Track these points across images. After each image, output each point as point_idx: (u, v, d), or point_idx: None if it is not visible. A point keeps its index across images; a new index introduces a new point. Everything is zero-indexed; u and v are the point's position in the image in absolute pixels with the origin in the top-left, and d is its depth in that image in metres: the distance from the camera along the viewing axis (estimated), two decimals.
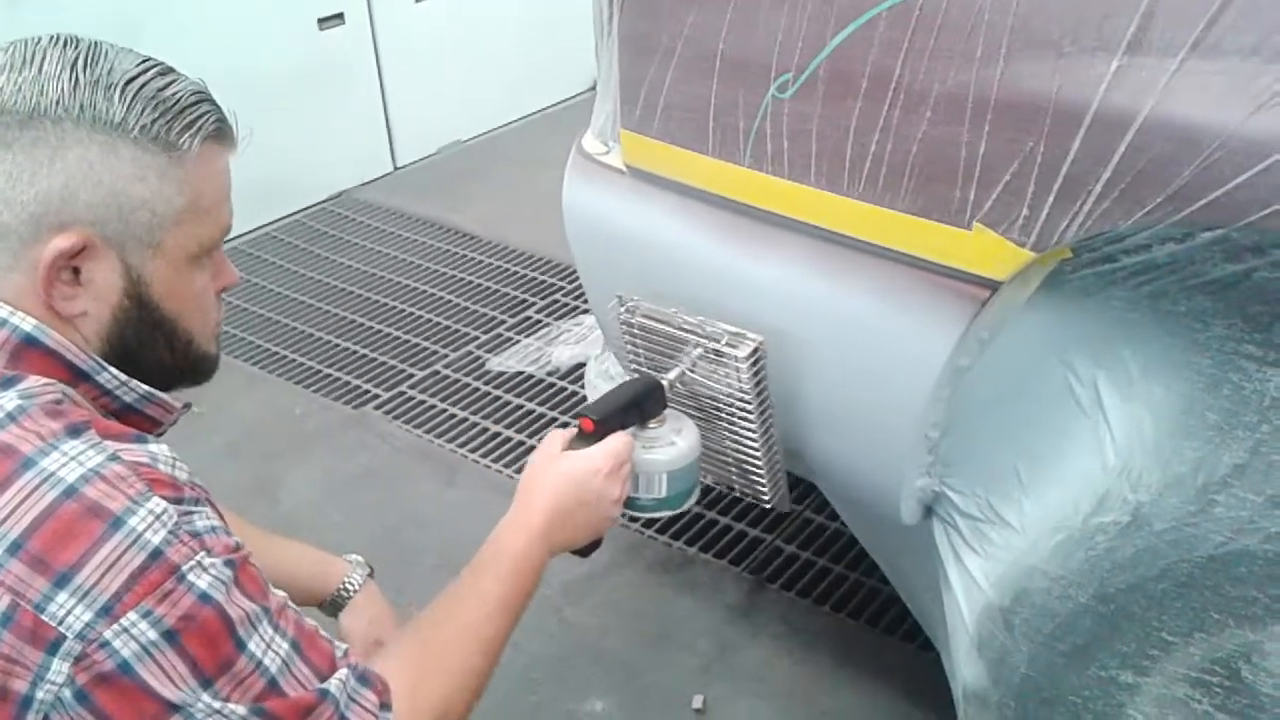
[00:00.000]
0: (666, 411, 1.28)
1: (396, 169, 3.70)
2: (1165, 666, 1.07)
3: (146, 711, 0.76)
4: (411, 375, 2.59)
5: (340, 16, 3.38)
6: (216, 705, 0.78)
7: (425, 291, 2.94)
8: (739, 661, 1.77)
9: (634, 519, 1.30)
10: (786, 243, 1.25)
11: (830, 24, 1.12)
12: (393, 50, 3.56)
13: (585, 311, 2.69)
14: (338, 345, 2.73)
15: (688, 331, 1.34)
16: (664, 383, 1.29)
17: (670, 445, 1.25)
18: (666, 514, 1.31)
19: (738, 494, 1.50)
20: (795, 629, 1.82)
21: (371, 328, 2.79)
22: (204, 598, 0.78)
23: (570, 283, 2.88)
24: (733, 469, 1.45)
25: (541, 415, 2.42)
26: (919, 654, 1.73)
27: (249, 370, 2.63)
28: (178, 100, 0.85)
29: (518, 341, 2.68)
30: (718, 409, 1.38)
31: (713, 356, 1.33)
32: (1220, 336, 1.00)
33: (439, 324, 2.79)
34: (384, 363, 2.64)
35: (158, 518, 0.77)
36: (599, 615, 1.87)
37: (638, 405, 1.25)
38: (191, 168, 0.86)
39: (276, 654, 0.82)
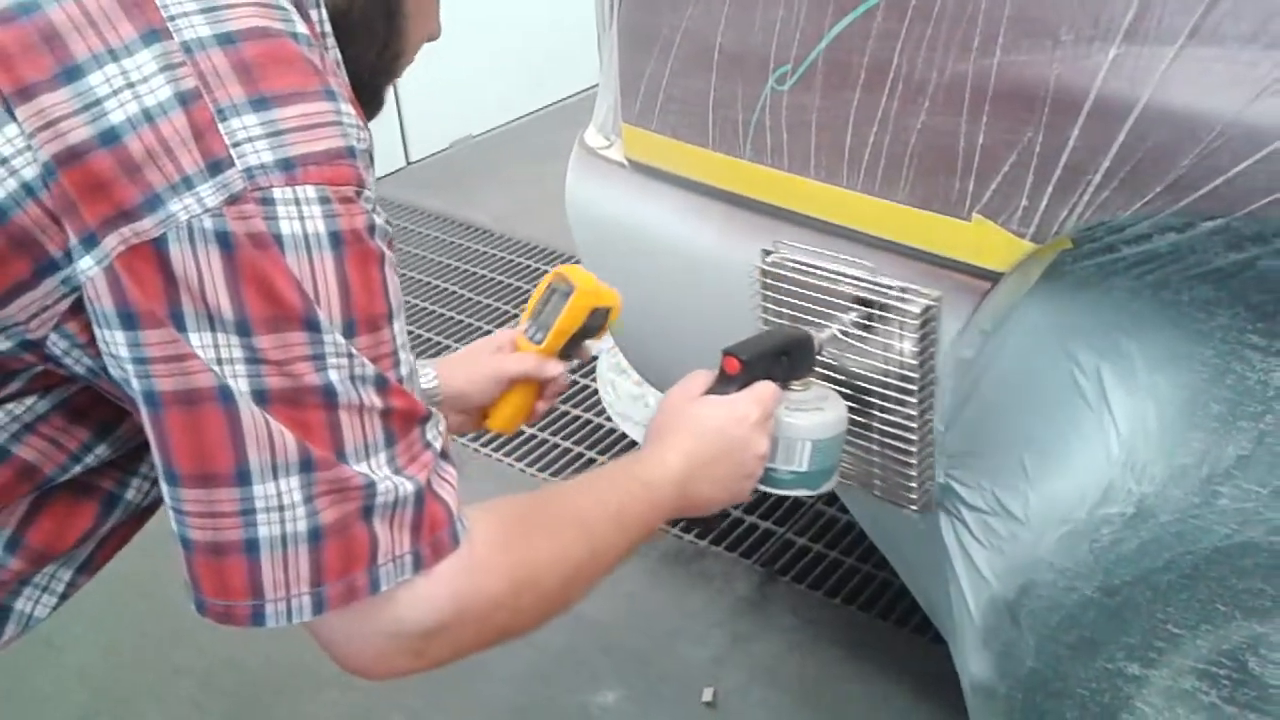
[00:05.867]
0: (810, 380, 1.12)
1: (409, 164, 3.71)
2: (1172, 659, 1.07)
3: (281, 302, 0.62)
4: None
5: None
6: (352, 349, 0.64)
7: (437, 285, 2.95)
8: (750, 653, 1.77)
9: (766, 495, 1.13)
10: (787, 235, 1.24)
11: (828, 15, 1.11)
12: None
13: None
14: None
15: (846, 282, 1.17)
16: (815, 338, 1.13)
17: (817, 411, 1.08)
18: (803, 494, 1.12)
19: (877, 494, 1.27)
20: (806, 621, 1.82)
21: None
22: (378, 234, 0.66)
23: None
24: (875, 461, 1.24)
25: (552, 409, 2.41)
26: (930, 647, 1.72)
27: None
28: None
29: None
30: (869, 386, 1.19)
31: (873, 318, 1.16)
32: (1224, 326, 0.99)
33: (450, 317, 2.80)
34: None
35: (361, 130, 0.67)
36: (610, 607, 1.87)
37: (786, 355, 1.07)
38: None
39: (409, 360, 0.70)
